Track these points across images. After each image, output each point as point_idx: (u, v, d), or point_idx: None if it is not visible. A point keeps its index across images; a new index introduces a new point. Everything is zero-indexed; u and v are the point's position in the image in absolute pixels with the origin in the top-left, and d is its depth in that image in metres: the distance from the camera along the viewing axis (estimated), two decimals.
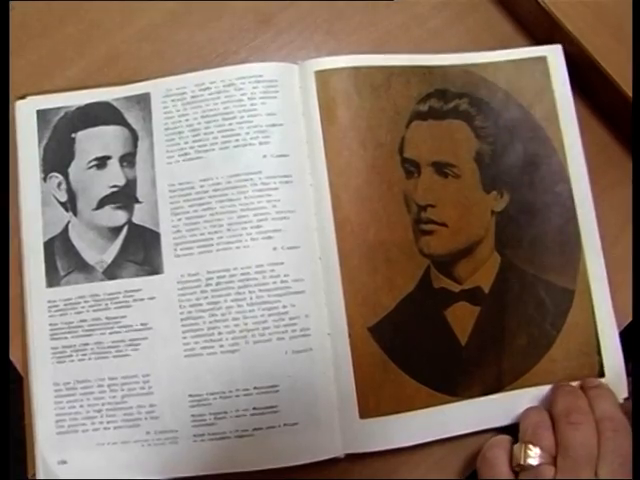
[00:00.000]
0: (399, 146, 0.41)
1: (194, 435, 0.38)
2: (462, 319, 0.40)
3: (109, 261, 0.40)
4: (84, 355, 0.39)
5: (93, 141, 0.41)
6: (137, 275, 0.40)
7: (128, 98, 0.41)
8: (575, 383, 0.39)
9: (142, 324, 0.39)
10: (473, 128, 0.41)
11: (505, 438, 0.37)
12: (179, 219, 0.40)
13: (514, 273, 0.40)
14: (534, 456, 0.35)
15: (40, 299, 0.40)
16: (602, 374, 0.40)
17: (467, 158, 0.41)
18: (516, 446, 0.36)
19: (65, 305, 0.40)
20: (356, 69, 0.41)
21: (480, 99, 0.42)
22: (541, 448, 0.35)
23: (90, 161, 0.41)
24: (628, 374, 0.40)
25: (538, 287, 0.40)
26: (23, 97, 0.42)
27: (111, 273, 0.40)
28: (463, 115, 0.41)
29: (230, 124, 0.40)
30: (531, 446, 0.35)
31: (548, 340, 0.40)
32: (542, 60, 0.42)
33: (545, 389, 0.39)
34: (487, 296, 0.40)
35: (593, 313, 0.40)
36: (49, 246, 0.41)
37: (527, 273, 0.40)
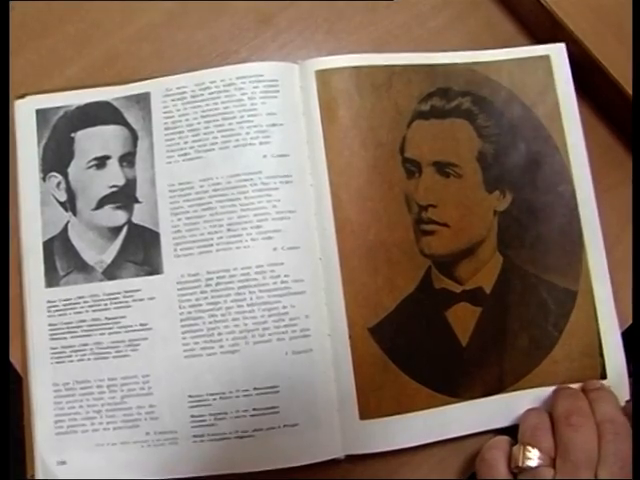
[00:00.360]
0: (400, 146, 0.41)
1: (194, 436, 0.39)
2: (463, 320, 0.40)
3: (109, 261, 0.40)
4: (83, 355, 0.40)
5: (93, 141, 0.42)
6: (137, 275, 0.40)
7: (128, 98, 0.42)
8: (577, 385, 0.39)
9: (142, 324, 0.40)
10: (475, 127, 0.41)
11: (504, 439, 0.38)
12: (179, 219, 0.40)
13: (516, 274, 0.40)
14: (533, 458, 0.35)
15: (39, 299, 0.40)
16: (604, 376, 0.40)
17: (469, 157, 0.41)
18: (515, 447, 0.36)
19: (64, 305, 0.40)
20: (357, 68, 0.41)
21: (483, 98, 0.42)
22: (540, 450, 0.35)
23: (89, 161, 0.41)
24: (629, 376, 0.40)
25: (540, 288, 0.40)
26: (22, 96, 0.42)
27: (110, 273, 0.40)
28: (465, 114, 0.42)
29: (230, 124, 0.40)
30: (530, 448, 0.35)
31: (550, 341, 0.40)
32: (545, 59, 0.43)
33: (547, 390, 0.39)
34: (489, 297, 0.40)
35: (595, 314, 0.40)
36: (48, 246, 0.41)
37: (529, 274, 0.40)
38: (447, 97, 0.42)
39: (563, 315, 0.40)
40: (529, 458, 0.35)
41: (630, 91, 0.39)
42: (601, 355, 0.40)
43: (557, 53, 0.43)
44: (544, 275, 0.40)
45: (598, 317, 0.40)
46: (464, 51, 0.42)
